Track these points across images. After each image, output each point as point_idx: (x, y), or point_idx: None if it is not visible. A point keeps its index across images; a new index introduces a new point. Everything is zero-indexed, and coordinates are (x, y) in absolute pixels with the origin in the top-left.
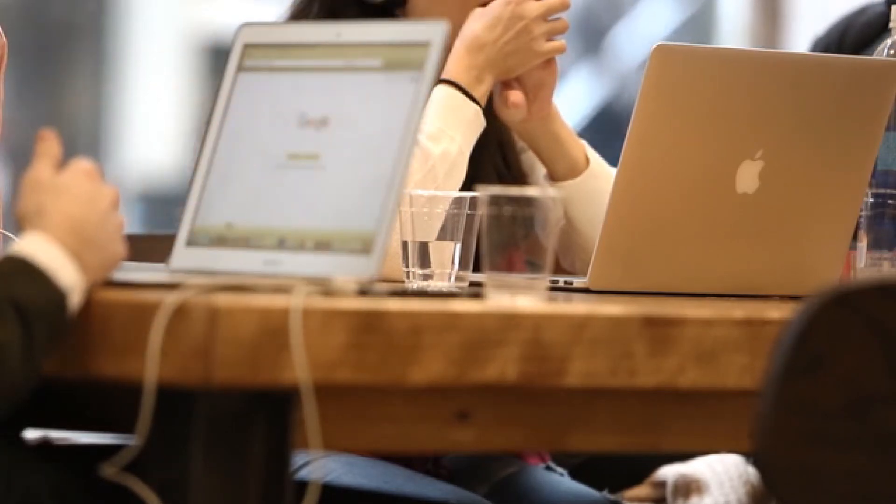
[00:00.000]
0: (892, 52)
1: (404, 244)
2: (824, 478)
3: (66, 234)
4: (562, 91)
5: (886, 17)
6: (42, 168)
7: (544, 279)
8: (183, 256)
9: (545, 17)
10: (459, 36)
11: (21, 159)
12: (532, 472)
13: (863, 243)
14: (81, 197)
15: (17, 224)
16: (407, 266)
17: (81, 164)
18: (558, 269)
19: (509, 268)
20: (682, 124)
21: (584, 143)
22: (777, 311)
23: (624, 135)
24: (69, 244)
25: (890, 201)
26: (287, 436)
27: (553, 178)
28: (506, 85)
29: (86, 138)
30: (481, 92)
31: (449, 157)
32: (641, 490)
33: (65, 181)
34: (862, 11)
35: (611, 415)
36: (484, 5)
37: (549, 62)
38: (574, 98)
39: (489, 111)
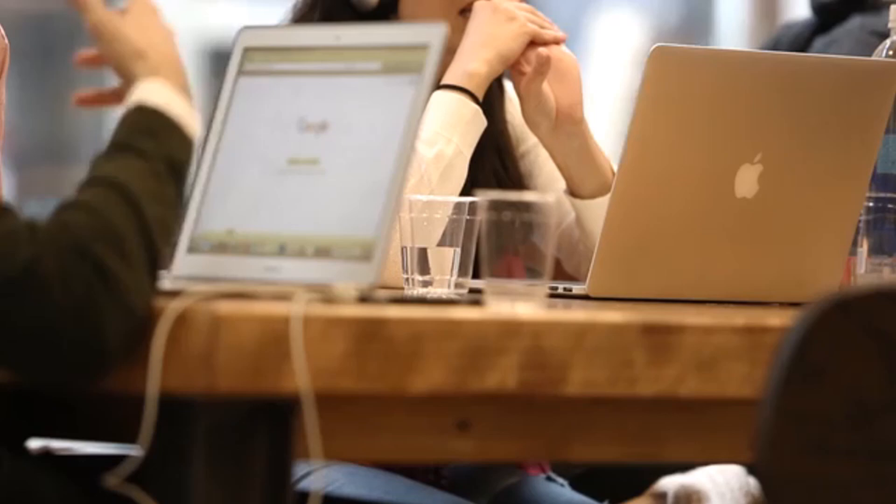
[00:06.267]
0: (891, 52)
1: (403, 250)
2: (825, 488)
3: (172, 74)
4: None
5: (813, 25)
6: (103, 10)
7: (544, 286)
8: (184, 263)
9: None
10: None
11: (24, 163)
12: (532, 483)
13: (863, 248)
14: (164, 31)
15: (115, 70)
16: (406, 272)
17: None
18: (561, 273)
19: (509, 274)
20: (681, 127)
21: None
22: (777, 319)
23: None
24: (177, 84)
25: (890, 205)
26: (288, 446)
27: (579, 194)
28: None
29: (88, 142)
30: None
31: (444, 158)
32: (642, 502)
33: (144, 20)
34: (789, 26)
35: (611, 424)
36: (466, 10)
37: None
38: None
39: (487, 113)
